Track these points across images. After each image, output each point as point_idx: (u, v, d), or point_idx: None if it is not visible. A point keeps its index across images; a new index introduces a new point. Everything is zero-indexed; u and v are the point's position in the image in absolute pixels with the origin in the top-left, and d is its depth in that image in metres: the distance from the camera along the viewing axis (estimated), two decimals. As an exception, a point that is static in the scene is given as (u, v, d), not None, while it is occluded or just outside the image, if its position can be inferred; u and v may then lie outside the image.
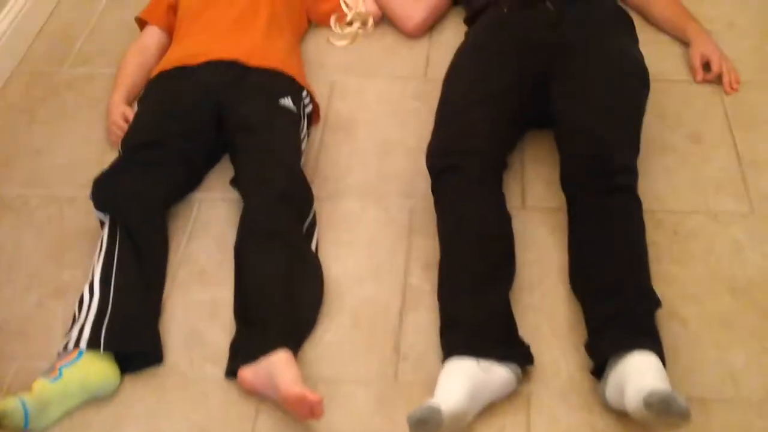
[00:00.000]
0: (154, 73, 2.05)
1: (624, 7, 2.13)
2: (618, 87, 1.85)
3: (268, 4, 2.14)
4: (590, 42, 1.92)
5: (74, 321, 1.64)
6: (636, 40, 2.04)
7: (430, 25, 2.36)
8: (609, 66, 1.88)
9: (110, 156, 2.00)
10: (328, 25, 2.38)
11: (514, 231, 1.73)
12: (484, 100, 1.84)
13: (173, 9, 2.29)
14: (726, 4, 2.36)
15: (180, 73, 2.00)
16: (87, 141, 2.11)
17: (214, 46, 2.03)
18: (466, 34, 2.15)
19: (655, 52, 2.15)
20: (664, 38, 2.26)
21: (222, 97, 1.95)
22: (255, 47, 2.04)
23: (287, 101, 1.96)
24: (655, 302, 1.55)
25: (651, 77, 1.92)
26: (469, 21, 2.22)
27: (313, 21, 2.39)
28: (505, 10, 2.04)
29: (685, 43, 2.21)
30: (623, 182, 1.70)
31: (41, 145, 2.11)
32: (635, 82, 1.90)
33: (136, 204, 1.74)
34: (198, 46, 2.04)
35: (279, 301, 1.62)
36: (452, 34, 2.34)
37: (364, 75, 2.25)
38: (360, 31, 2.37)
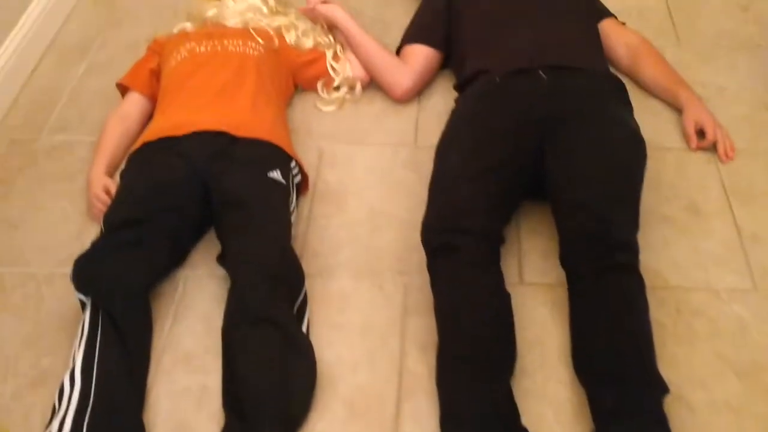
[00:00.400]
0: (137, 144, 2.01)
1: (615, 72, 2.13)
2: (615, 159, 1.83)
3: (254, 72, 2.12)
4: (584, 112, 1.91)
5: (54, 413, 1.57)
6: (630, 109, 2.03)
7: (419, 90, 2.34)
8: (605, 137, 1.86)
9: (91, 231, 1.95)
10: (315, 90, 2.36)
11: (513, 309, 1.69)
12: (479, 175, 1.81)
13: (155, 74, 2.26)
14: (715, 69, 2.37)
15: (164, 144, 1.96)
16: (66, 214, 2.05)
17: (199, 116, 1.99)
18: (456, 101, 2.14)
19: (648, 118, 2.15)
20: (655, 104, 2.25)
21: (208, 170, 1.90)
22: (242, 118, 2.01)
23: (276, 174, 1.92)
24: (663, 389, 1.52)
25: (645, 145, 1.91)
26: (459, 88, 2.21)
27: (299, 86, 2.37)
28: (498, 79, 2.03)
29: (677, 109, 2.20)
30: (624, 260, 1.67)
31: (18, 219, 2.05)
32: (632, 153, 1.88)
33: (119, 288, 1.68)
34: (183, 117, 2.01)
35: (271, 391, 1.56)
36: (441, 99, 2.32)
37: (352, 142, 2.22)
38: (347, 96, 2.35)
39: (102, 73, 2.48)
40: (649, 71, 2.28)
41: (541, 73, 1.99)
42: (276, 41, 2.27)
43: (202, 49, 2.16)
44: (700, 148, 2.12)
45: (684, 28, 2.53)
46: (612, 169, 1.81)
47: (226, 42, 2.19)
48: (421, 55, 2.32)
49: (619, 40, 2.33)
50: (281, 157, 1.98)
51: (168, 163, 1.91)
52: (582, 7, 2.29)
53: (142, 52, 2.38)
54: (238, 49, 2.17)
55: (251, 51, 2.18)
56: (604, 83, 2.04)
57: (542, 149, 1.87)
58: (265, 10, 2.38)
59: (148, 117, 2.23)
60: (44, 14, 2.59)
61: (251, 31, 2.25)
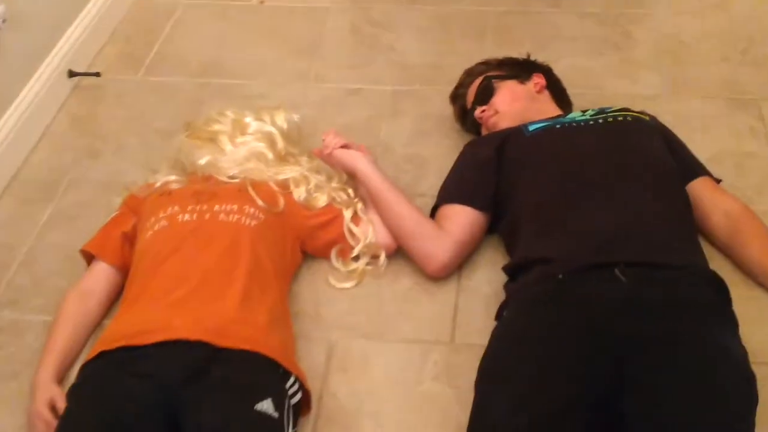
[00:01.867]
0: (93, 352, 1.64)
1: (715, 271, 1.73)
2: (717, 412, 1.43)
3: (248, 252, 1.74)
4: (677, 335, 1.51)
5: None
6: (735, 325, 1.62)
7: (459, 264, 1.95)
8: (706, 377, 1.45)
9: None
10: (329, 258, 2.00)
11: None
12: (535, 426, 1.43)
13: (129, 240, 1.90)
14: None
15: (126, 357, 1.57)
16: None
17: (173, 317, 1.62)
18: (507, 296, 1.75)
19: (754, 319, 1.74)
20: (762, 297, 1.86)
21: (179, 398, 1.52)
22: (227, 320, 1.63)
23: (266, 405, 1.53)
24: None
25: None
26: (509, 271, 1.83)
27: (310, 253, 2.01)
28: (560, 276, 1.65)
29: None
30: None
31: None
32: (739, 399, 1.46)
33: None
34: (152, 316, 1.63)
35: None
36: (486, 276, 1.94)
37: (372, 336, 1.83)
38: (368, 267, 1.98)
39: (68, 223, 2.13)
40: (755, 253, 1.87)
41: (618, 272, 1.61)
42: (281, 202, 1.91)
43: (186, 217, 1.81)
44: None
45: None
46: (713, 418, 1.42)
47: (217, 207, 1.82)
48: (463, 219, 1.94)
49: (715, 206, 1.93)
50: (275, 378, 1.59)
51: (126, 391, 1.53)
52: (668, 164, 1.90)
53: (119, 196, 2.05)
54: (231, 218, 1.81)
55: (247, 221, 1.81)
56: (702, 289, 1.64)
57: (619, 384, 1.48)
58: (270, 156, 2.03)
59: (118, 293, 1.88)
60: (8, 141, 2.27)
61: (250, 189, 1.89)
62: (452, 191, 2.01)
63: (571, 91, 2.25)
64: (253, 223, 1.82)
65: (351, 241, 1.96)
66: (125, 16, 2.86)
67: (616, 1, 2.87)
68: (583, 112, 2.02)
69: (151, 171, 2.11)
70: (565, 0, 2.89)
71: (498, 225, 1.99)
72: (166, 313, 1.63)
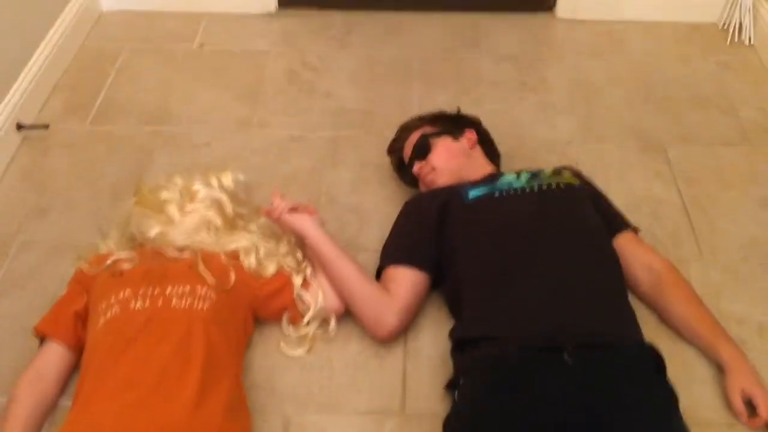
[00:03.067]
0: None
1: (652, 344, 1.50)
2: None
3: (202, 341, 1.42)
4: (627, 417, 1.30)
5: None
6: (676, 401, 1.41)
7: (406, 327, 1.67)
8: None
9: None
10: (280, 322, 1.69)
11: None
12: None
13: (81, 318, 1.57)
14: (751, 296, 1.75)
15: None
16: None
17: (128, 425, 1.31)
18: (456, 372, 1.49)
19: (680, 376, 1.52)
20: (685, 351, 1.63)
21: None
22: (181, 423, 1.32)
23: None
24: None
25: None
26: (455, 341, 1.56)
27: (262, 320, 1.70)
28: (512, 359, 1.39)
29: (714, 362, 1.60)
30: None
31: None
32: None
33: None
34: (105, 425, 1.31)
35: None
36: (431, 339, 1.66)
37: (325, 409, 1.54)
38: (319, 331, 1.68)
39: (17, 292, 1.75)
40: (678, 309, 1.65)
41: (566, 356, 1.37)
42: (232, 277, 1.59)
43: (138, 304, 1.47)
44: (753, 426, 1.51)
45: (704, 232, 1.90)
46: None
47: (169, 290, 1.50)
48: (409, 281, 1.66)
49: (637, 261, 1.70)
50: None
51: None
52: (600, 231, 1.67)
53: (72, 260, 1.71)
54: (183, 303, 1.48)
55: (200, 304, 1.49)
56: (642, 366, 1.42)
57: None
58: (219, 222, 1.70)
59: (72, 371, 1.56)
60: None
61: (200, 266, 1.57)
62: (396, 252, 1.72)
63: (497, 139, 1.97)
64: (206, 305, 1.50)
65: (301, 308, 1.66)
66: (70, 64, 2.45)
67: (528, 44, 2.61)
68: (518, 174, 1.76)
69: (100, 234, 1.77)
70: (483, 43, 2.61)
71: (439, 284, 1.72)
72: (119, 421, 1.31)
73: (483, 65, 2.50)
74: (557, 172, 1.75)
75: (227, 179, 1.80)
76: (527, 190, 1.68)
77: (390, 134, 2.02)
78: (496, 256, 1.57)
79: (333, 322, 1.67)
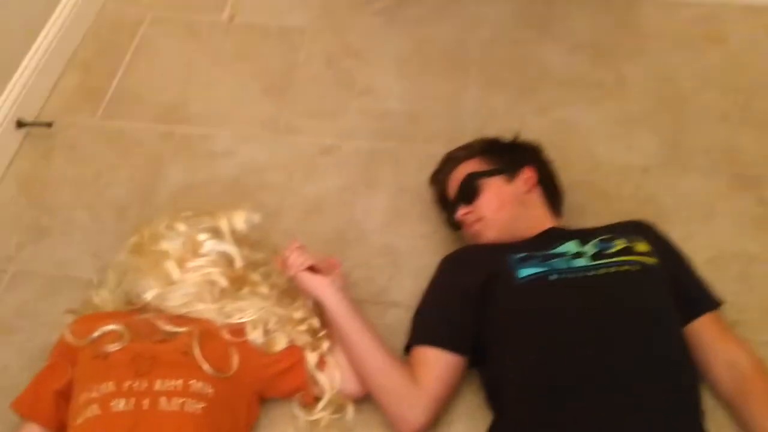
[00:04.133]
0: None
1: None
2: None
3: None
4: None
5: None
6: None
7: (435, 420, 1.44)
8: None
9: None
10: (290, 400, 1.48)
11: None
12: None
13: (63, 396, 1.38)
14: None
15: None
16: None
17: None
18: None
19: None
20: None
21: None
22: None
23: None
24: None
25: None
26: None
27: (270, 398, 1.48)
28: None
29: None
30: None
31: None
32: None
33: None
34: None
35: None
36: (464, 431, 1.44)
37: None
38: (334, 417, 1.46)
39: (7, 338, 1.58)
40: (764, 424, 1.37)
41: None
42: (234, 364, 1.37)
43: (122, 405, 1.26)
44: None
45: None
46: None
47: (158, 386, 1.28)
48: (442, 367, 1.40)
49: (718, 355, 1.41)
50: None
51: None
52: (677, 328, 1.38)
53: (67, 298, 1.53)
54: (173, 405, 1.26)
55: (193, 405, 1.27)
56: None
57: None
58: (224, 283, 1.47)
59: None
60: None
61: (196, 352, 1.34)
62: (429, 330, 1.46)
63: (561, 161, 1.67)
64: (200, 406, 1.28)
65: (315, 391, 1.44)
66: (86, 33, 2.18)
67: (608, 30, 2.21)
68: (581, 241, 1.46)
69: (96, 276, 1.57)
70: (555, 25, 2.22)
71: (477, 367, 1.47)
72: None
73: (552, 56, 2.13)
74: (629, 248, 1.43)
75: (239, 221, 1.55)
76: (590, 275, 1.38)
77: (435, 149, 1.74)
78: (548, 364, 1.30)
79: (351, 411, 1.45)
